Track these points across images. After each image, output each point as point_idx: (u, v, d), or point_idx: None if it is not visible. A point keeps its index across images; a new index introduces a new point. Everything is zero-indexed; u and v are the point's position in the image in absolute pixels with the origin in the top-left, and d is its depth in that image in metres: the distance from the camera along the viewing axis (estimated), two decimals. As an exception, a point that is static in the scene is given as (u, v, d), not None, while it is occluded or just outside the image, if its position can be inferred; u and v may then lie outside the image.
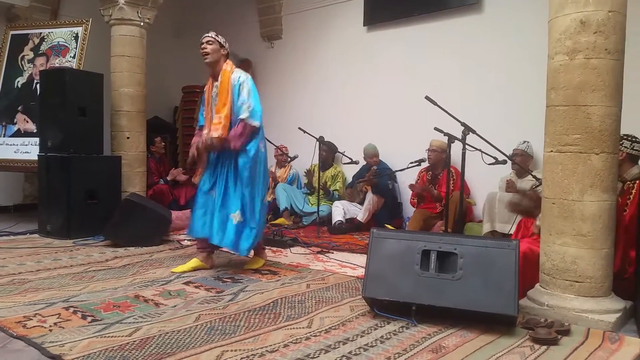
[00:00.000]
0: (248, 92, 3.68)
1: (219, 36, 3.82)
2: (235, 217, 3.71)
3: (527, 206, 3.39)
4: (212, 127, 3.71)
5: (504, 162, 3.85)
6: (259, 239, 3.93)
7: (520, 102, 5.20)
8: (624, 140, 3.43)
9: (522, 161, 4.70)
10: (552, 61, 2.89)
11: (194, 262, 3.89)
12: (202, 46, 3.76)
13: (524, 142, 4.87)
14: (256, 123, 3.68)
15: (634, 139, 3.45)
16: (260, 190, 3.78)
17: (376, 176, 5.79)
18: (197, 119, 7.56)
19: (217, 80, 3.80)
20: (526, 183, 4.59)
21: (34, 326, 2.58)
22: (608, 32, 2.72)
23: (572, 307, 2.76)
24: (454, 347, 2.41)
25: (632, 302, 2.91)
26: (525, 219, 3.68)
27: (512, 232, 3.94)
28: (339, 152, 6.24)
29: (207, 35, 3.80)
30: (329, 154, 6.43)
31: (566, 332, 2.58)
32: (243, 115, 3.64)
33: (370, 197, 5.84)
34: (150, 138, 6.56)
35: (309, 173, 6.55)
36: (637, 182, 3.36)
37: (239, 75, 3.74)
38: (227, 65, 3.81)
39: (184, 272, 3.78)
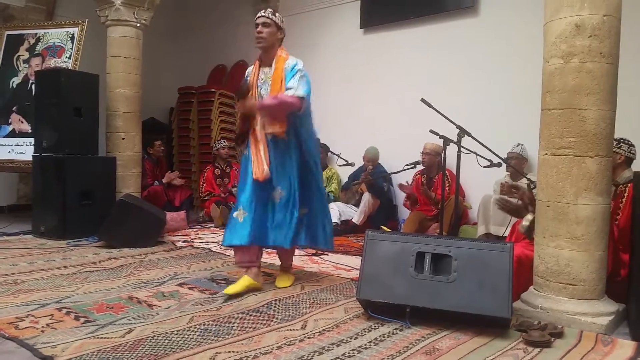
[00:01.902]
0: (300, 78, 3.26)
1: (276, 15, 3.30)
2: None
3: (516, 205, 3.40)
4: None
5: (499, 164, 3.87)
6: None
7: (516, 105, 5.21)
8: (621, 144, 3.45)
9: (517, 164, 4.72)
10: (548, 64, 2.90)
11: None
12: (257, 29, 3.27)
13: (519, 144, 4.90)
14: (308, 99, 3.29)
15: (630, 143, 3.48)
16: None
17: (372, 176, 5.78)
18: (192, 120, 7.64)
19: (267, 65, 3.38)
20: (526, 219, 4.59)
21: (26, 327, 2.56)
22: (603, 36, 2.73)
23: (565, 310, 2.77)
24: (448, 349, 2.41)
25: (624, 305, 2.92)
26: (520, 222, 3.68)
27: (506, 234, 3.95)
28: (335, 153, 6.24)
29: (262, 14, 3.28)
30: (323, 155, 6.44)
31: (559, 335, 2.58)
32: (299, 93, 3.24)
33: (365, 199, 5.84)
34: (147, 139, 6.55)
35: None
36: (630, 185, 3.37)
37: (295, 62, 3.31)
38: (282, 52, 3.37)
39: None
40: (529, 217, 3.21)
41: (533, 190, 3.57)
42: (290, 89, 3.23)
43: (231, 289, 3.19)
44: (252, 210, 3.30)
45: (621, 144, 3.45)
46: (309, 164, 3.41)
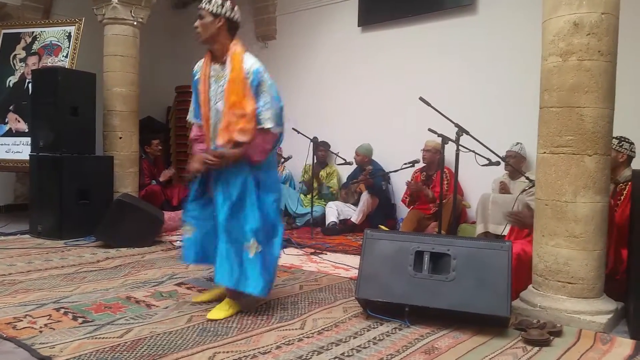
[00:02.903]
0: (268, 90, 2.78)
1: (212, 1, 2.79)
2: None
3: (528, 220, 3.33)
4: (229, 128, 2.73)
5: (497, 163, 3.86)
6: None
7: (514, 104, 5.21)
8: (623, 142, 3.47)
9: (515, 163, 4.71)
10: (546, 62, 2.89)
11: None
12: (196, 27, 2.83)
13: (517, 143, 4.90)
14: (280, 129, 2.85)
15: (631, 142, 3.49)
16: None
17: (372, 176, 5.78)
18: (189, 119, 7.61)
19: (219, 62, 2.86)
20: (519, 184, 4.60)
21: (24, 327, 2.55)
22: (601, 34, 2.73)
23: (564, 309, 2.77)
24: (447, 349, 2.41)
25: (623, 303, 2.92)
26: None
27: (505, 233, 3.95)
28: (333, 152, 6.24)
29: (198, 7, 2.84)
30: (326, 153, 6.44)
31: (558, 333, 2.58)
32: (268, 125, 2.75)
33: (364, 198, 5.84)
34: (145, 139, 6.53)
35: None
36: (630, 183, 3.38)
37: (256, 68, 2.77)
38: (237, 46, 2.83)
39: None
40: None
41: (531, 190, 3.59)
42: (266, 108, 2.75)
43: (199, 298, 3.10)
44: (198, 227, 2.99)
45: (623, 142, 3.46)
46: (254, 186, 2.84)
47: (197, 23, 2.83)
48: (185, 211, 3.06)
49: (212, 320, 2.74)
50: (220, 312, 2.81)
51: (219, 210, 2.80)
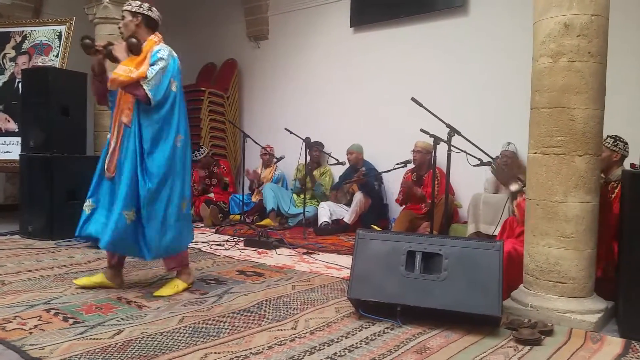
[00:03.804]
0: (157, 70, 3.08)
1: (133, 2, 3.25)
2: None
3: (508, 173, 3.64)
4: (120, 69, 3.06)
5: (489, 163, 3.88)
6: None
7: (505, 104, 5.24)
8: (618, 142, 3.49)
9: (512, 163, 4.72)
10: (537, 64, 2.91)
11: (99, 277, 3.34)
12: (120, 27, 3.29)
13: (510, 143, 4.90)
14: (152, 95, 3.05)
15: (625, 141, 3.52)
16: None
17: (365, 176, 5.79)
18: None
19: None
20: (513, 186, 4.61)
21: (13, 329, 2.53)
22: (591, 35, 2.75)
23: (555, 308, 2.79)
24: (439, 348, 2.41)
25: (613, 302, 2.94)
26: (510, 219, 3.70)
27: (496, 233, 3.97)
28: (326, 152, 6.24)
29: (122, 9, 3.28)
30: (320, 153, 6.44)
31: (549, 333, 2.60)
32: (146, 87, 3.04)
33: (357, 198, 5.85)
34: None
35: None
36: (620, 182, 3.41)
37: (159, 49, 3.16)
38: (155, 37, 3.26)
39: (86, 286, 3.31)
40: (513, 187, 3.43)
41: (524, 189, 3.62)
42: (145, 78, 3.04)
43: (81, 281, 3.34)
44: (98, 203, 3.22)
45: (618, 142, 3.49)
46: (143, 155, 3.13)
47: (120, 24, 3.29)
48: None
49: (160, 296, 3.14)
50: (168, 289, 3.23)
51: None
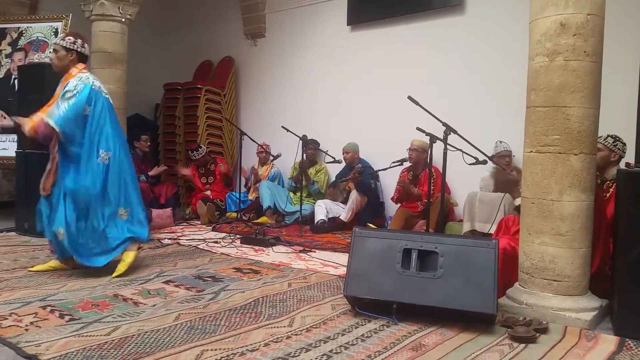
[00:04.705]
0: (62, 101, 3.42)
1: (66, 39, 3.56)
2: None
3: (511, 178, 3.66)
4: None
5: (485, 162, 3.89)
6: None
7: (501, 103, 5.25)
8: (617, 142, 3.51)
9: (510, 162, 4.73)
10: (533, 62, 2.92)
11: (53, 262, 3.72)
12: (50, 56, 3.65)
13: (501, 142, 4.87)
14: (57, 128, 3.38)
15: (623, 141, 3.54)
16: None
17: (360, 174, 5.80)
18: (177, 117, 7.61)
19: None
20: (518, 200, 4.61)
21: (9, 326, 2.53)
22: (587, 34, 2.76)
23: (550, 306, 2.80)
24: (434, 345, 2.42)
25: (608, 300, 2.96)
26: (506, 218, 3.72)
27: (492, 231, 3.98)
28: (322, 151, 6.25)
29: (53, 43, 3.60)
30: (315, 151, 6.44)
31: (544, 330, 2.61)
32: (49, 120, 3.38)
33: (353, 196, 5.85)
34: (132, 136, 6.49)
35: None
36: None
37: (70, 82, 3.49)
38: (75, 70, 3.57)
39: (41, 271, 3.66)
40: (518, 201, 3.40)
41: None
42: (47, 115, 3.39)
43: (37, 267, 3.69)
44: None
45: (617, 142, 3.51)
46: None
47: (52, 56, 3.59)
48: None
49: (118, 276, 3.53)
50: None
51: None
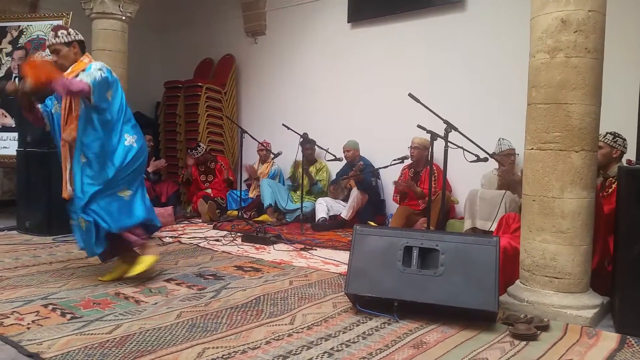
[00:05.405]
0: (91, 72, 3.19)
1: (59, 33, 3.33)
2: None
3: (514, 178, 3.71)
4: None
5: (486, 159, 3.89)
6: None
7: (502, 100, 5.25)
8: (617, 138, 3.51)
9: (515, 160, 4.72)
10: (534, 59, 2.92)
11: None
12: (53, 59, 3.38)
13: (503, 139, 4.86)
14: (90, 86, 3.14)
15: (624, 138, 3.53)
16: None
17: (362, 172, 5.80)
18: (178, 114, 7.60)
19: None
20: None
21: (11, 324, 2.53)
22: (588, 31, 2.76)
23: (551, 303, 2.80)
24: (435, 343, 2.43)
25: (609, 297, 2.96)
26: (506, 216, 3.72)
27: (492, 229, 3.98)
28: (323, 148, 6.23)
29: (48, 43, 3.35)
30: (313, 151, 6.43)
31: (545, 328, 2.61)
32: (85, 79, 3.16)
33: (354, 194, 5.85)
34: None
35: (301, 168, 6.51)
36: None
37: (91, 65, 3.28)
38: (86, 58, 3.40)
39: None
40: None
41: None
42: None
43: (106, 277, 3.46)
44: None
45: (617, 138, 3.51)
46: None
47: (55, 59, 3.34)
48: None
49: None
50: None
51: None
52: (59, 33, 3.35)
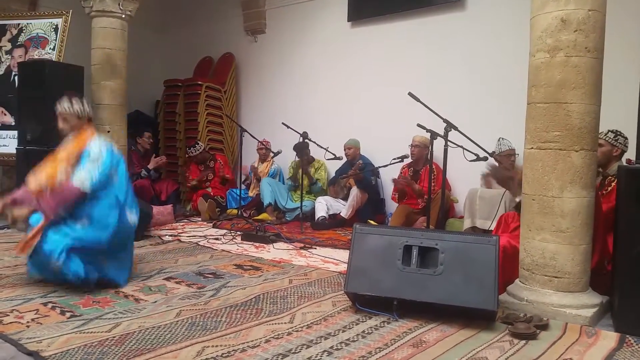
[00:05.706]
0: (89, 163, 3.17)
1: (74, 103, 3.30)
2: None
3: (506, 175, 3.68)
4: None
5: (485, 158, 3.89)
6: None
7: (502, 99, 5.24)
8: (618, 137, 3.50)
9: (515, 161, 4.72)
10: (534, 59, 2.92)
11: None
12: (59, 125, 3.33)
13: (503, 139, 4.86)
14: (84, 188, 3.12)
15: (625, 136, 3.53)
16: None
17: (361, 171, 5.80)
18: (178, 113, 7.59)
19: None
20: (519, 197, 4.60)
21: (10, 322, 2.54)
22: (588, 30, 2.76)
23: (550, 302, 2.80)
24: (435, 342, 2.43)
25: (608, 297, 2.96)
26: (505, 215, 3.72)
27: (492, 228, 3.98)
28: (322, 147, 6.21)
29: (60, 110, 3.29)
30: (306, 151, 6.38)
31: (545, 327, 2.61)
32: (77, 184, 3.13)
33: (354, 193, 5.85)
34: (133, 133, 6.50)
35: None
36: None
37: (90, 149, 3.22)
38: (89, 130, 3.34)
39: None
40: (519, 198, 3.35)
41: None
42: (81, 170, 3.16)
43: None
44: None
45: (618, 136, 3.50)
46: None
47: (62, 125, 3.30)
48: None
49: None
50: None
51: None
52: (74, 104, 3.30)
